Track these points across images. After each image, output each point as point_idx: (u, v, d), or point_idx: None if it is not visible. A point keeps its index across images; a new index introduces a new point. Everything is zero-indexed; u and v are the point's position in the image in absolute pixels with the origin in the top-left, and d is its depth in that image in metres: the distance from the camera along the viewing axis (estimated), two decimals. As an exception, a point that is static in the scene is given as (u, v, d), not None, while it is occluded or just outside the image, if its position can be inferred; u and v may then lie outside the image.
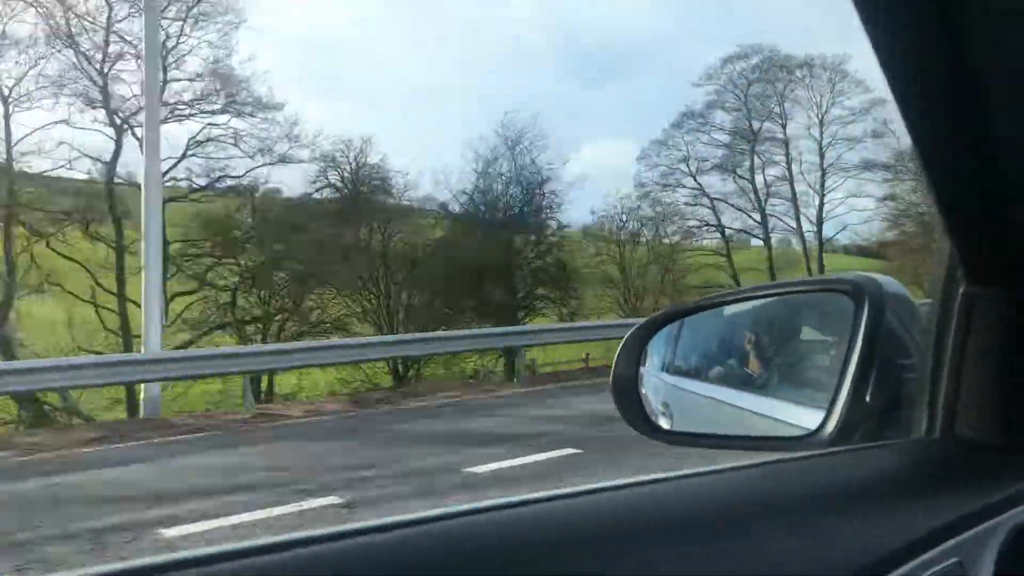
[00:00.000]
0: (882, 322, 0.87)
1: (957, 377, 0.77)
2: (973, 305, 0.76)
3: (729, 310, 1.21)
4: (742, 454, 1.02)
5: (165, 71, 16.75)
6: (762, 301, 1.18)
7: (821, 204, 25.76)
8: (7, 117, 16.62)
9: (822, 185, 25.64)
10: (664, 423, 1.13)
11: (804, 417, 0.91)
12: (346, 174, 19.36)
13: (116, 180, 17.16)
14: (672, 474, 0.56)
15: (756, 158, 25.49)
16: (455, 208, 19.89)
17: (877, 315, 0.87)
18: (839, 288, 0.94)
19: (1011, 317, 0.75)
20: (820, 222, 25.90)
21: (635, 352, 1.08)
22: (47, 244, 16.15)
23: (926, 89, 0.62)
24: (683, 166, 24.89)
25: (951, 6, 0.55)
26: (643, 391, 1.11)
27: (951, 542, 0.61)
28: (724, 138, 25.46)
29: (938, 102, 0.63)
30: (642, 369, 1.12)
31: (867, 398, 0.85)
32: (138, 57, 15.28)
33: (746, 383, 1.16)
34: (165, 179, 14.64)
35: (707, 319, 1.20)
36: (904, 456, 0.77)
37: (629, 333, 1.10)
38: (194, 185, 18.23)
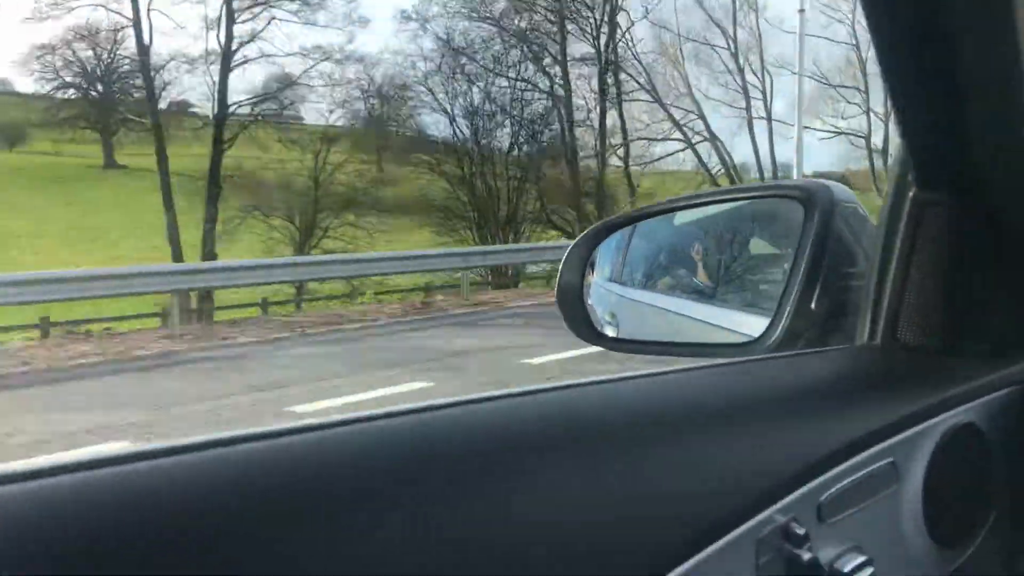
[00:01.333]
0: (831, 229, 0.86)
1: (902, 283, 0.76)
2: (922, 211, 0.75)
3: (679, 219, 1.19)
4: (687, 360, 1.02)
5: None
6: (713, 208, 1.16)
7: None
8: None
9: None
10: (611, 332, 1.12)
11: (751, 325, 0.91)
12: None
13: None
14: (609, 377, 0.55)
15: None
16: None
17: (826, 221, 0.85)
18: (791, 194, 0.92)
19: (958, 224, 0.74)
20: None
21: (581, 260, 1.06)
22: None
23: None
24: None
25: None
26: (589, 301, 1.09)
27: (886, 443, 0.62)
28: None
29: (899, 5, 0.60)
30: (589, 278, 1.09)
31: (813, 305, 0.84)
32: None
33: (695, 292, 1.15)
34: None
35: (656, 227, 1.18)
36: (845, 361, 0.77)
37: (575, 241, 1.07)
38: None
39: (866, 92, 24.30)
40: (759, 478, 0.52)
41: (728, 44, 23.55)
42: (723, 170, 23.17)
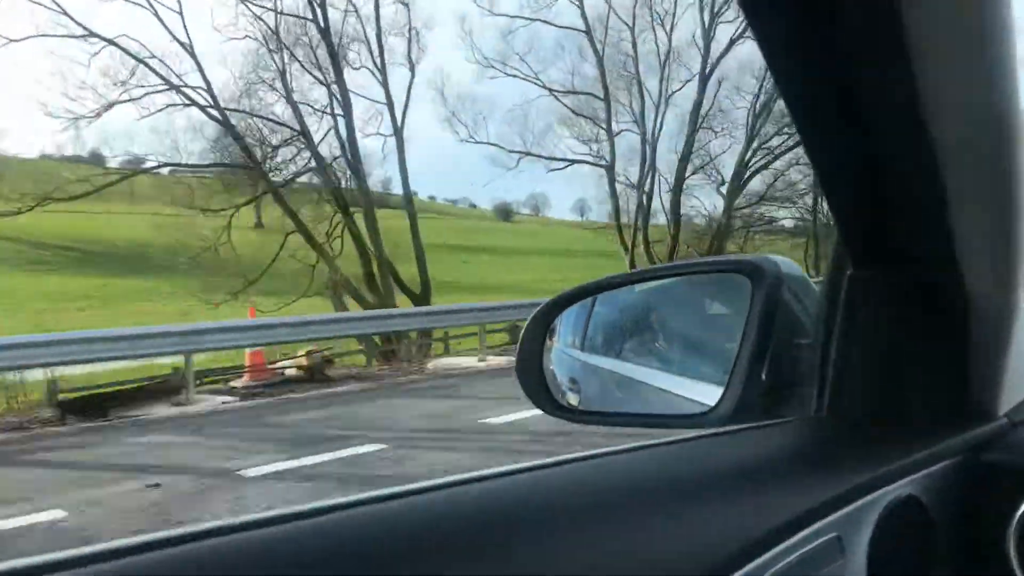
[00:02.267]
0: (778, 301, 0.89)
1: (844, 357, 0.79)
2: (858, 287, 0.78)
3: (641, 287, 1.22)
4: (644, 432, 1.04)
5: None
6: (670, 280, 1.20)
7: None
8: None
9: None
10: (573, 399, 1.14)
11: (707, 393, 0.93)
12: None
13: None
14: (552, 460, 0.55)
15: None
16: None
17: (774, 294, 0.89)
18: (738, 268, 0.95)
19: (892, 298, 0.77)
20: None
21: (541, 328, 1.08)
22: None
23: (806, 78, 0.62)
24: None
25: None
26: (551, 367, 1.11)
27: (831, 517, 0.63)
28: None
29: (819, 92, 0.63)
30: (549, 344, 1.11)
31: (763, 376, 0.87)
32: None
33: (654, 359, 1.18)
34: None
35: (618, 296, 1.21)
36: (792, 435, 0.79)
37: (537, 309, 1.09)
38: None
39: (608, 110, 21.38)
40: (703, 558, 0.53)
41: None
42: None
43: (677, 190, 21.59)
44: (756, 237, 23.48)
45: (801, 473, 0.67)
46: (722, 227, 21.95)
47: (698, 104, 21.35)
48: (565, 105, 21.92)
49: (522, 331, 1.08)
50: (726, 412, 0.86)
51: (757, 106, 21.82)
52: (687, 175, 21.86)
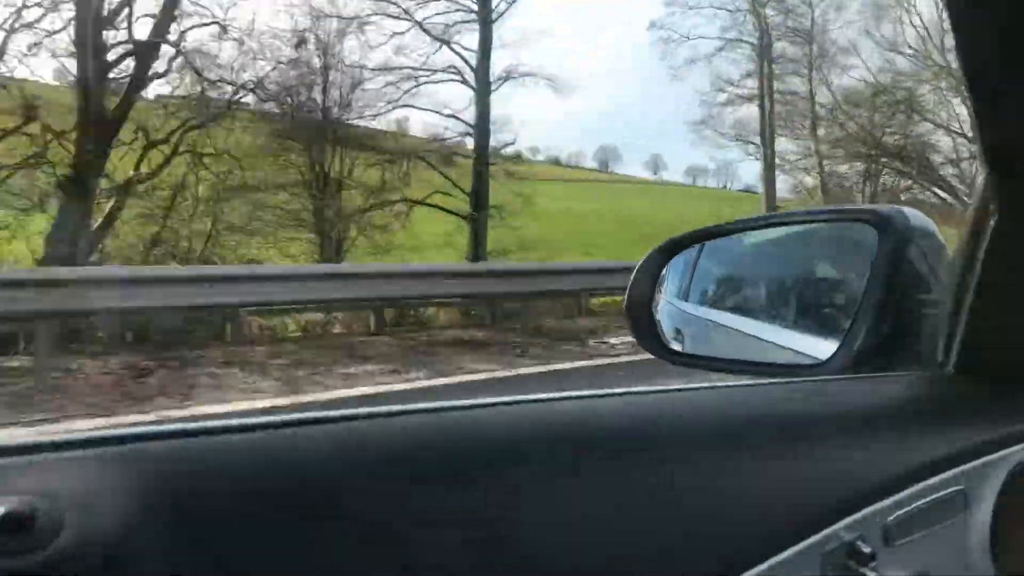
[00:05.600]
0: (905, 254, 0.85)
1: (978, 311, 0.76)
2: (1001, 240, 0.74)
3: (750, 238, 1.20)
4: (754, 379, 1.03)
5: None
6: (783, 230, 1.16)
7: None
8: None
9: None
10: (677, 347, 1.14)
11: (820, 347, 0.91)
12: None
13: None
14: (679, 387, 0.56)
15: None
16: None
17: (901, 247, 0.85)
18: (864, 218, 0.92)
19: None
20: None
21: (651, 276, 1.07)
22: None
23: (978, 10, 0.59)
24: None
25: None
26: (657, 316, 1.11)
27: (956, 470, 0.62)
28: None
29: (989, 29, 0.60)
30: (657, 294, 1.11)
31: (884, 329, 0.84)
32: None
33: (763, 312, 1.16)
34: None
35: (726, 247, 1.19)
36: (916, 387, 0.77)
37: (645, 257, 1.09)
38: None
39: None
40: (826, 494, 0.53)
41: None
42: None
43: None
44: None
45: (928, 425, 0.65)
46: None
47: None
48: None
49: (631, 278, 1.08)
50: (844, 363, 0.84)
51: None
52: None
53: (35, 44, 9.93)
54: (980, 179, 0.76)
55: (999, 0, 0.59)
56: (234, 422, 0.41)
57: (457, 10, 14.80)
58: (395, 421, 0.44)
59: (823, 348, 0.89)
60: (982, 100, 0.67)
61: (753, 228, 1.18)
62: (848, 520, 0.53)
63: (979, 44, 0.62)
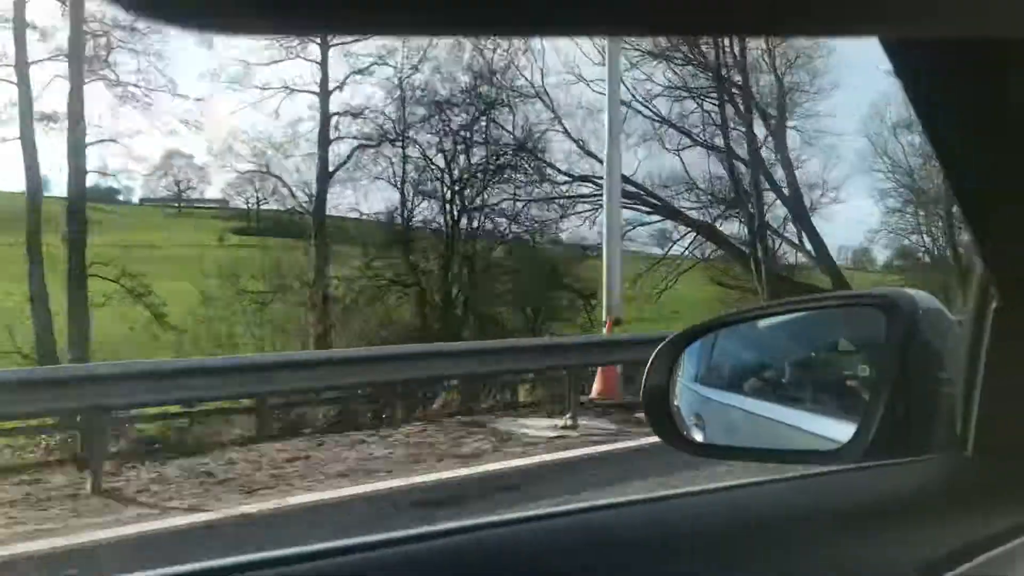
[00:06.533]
0: (916, 336, 0.87)
1: (991, 393, 0.77)
2: (1005, 321, 0.76)
3: (764, 322, 1.22)
4: (775, 467, 1.02)
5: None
6: (795, 315, 1.19)
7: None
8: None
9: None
10: (697, 435, 1.14)
11: (837, 430, 0.91)
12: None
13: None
14: (705, 487, 0.57)
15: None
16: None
17: (911, 329, 0.87)
18: (872, 302, 0.94)
19: None
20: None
21: (667, 363, 1.09)
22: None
23: (950, 100, 0.62)
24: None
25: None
26: (675, 402, 1.12)
27: (982, 557, 0.61)
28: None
29: (966, 118, 0.63)
30: (675, 380, 1.12)
31: (900, 412, 0.85)
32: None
33: (780, 395, 1.17)
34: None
35: (741, 331, 1.21)
36: (937, 472, 0.77)
37: (662, 344, 1.11)
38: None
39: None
40: None
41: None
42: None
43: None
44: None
45: (951, 511, 0.65)
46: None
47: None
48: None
49: (647, 366, 1.10)
50: (864, 447, 0.84)
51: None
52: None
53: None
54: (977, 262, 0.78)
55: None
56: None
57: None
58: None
59: (842, 430, 0.90)
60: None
61: (765, 315, 1.20)
62: None
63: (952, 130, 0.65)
